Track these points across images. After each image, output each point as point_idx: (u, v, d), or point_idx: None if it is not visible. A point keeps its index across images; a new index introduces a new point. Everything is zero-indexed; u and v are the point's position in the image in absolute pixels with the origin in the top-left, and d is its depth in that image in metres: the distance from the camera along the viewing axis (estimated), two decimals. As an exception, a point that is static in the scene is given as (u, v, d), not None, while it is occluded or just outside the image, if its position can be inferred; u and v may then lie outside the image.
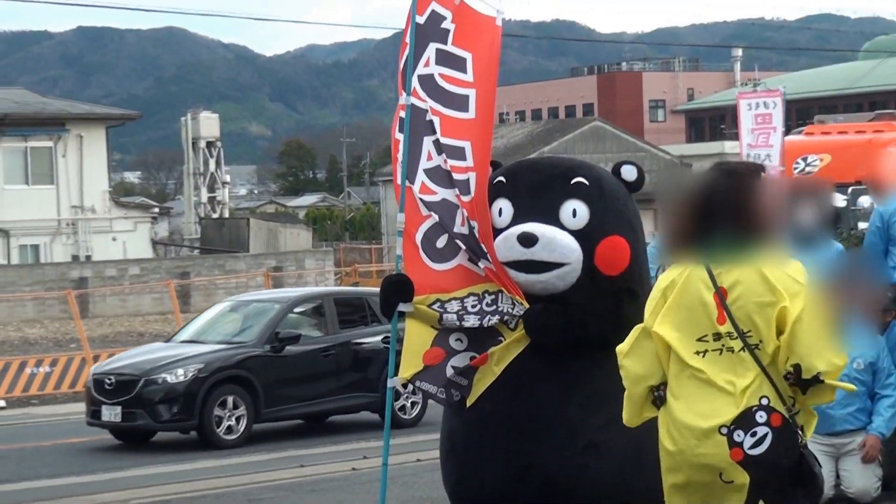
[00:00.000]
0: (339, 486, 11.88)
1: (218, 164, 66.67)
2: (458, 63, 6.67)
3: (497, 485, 6.36)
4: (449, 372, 6.53)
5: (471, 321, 6.49)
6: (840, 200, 19.29)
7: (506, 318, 6.48)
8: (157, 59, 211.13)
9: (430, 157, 6.67)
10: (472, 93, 6.65)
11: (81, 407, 21.52)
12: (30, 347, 31.87)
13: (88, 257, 51.43)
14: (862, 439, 8.99)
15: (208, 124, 66.83)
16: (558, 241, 6.32)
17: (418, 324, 6.60)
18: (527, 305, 6.39)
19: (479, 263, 6.51)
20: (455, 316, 6.52)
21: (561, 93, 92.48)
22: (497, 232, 6.46)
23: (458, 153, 6.61)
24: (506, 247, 6.41)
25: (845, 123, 21.34)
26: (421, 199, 6.69)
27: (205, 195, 65.80)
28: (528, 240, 6.32)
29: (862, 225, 18.14)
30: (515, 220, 6.44)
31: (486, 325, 6.50)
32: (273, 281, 35.19)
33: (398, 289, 6.52)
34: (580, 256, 6.35)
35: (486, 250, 6.46)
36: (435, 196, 6.64)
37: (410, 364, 6.62)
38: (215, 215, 65.61)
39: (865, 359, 9.04)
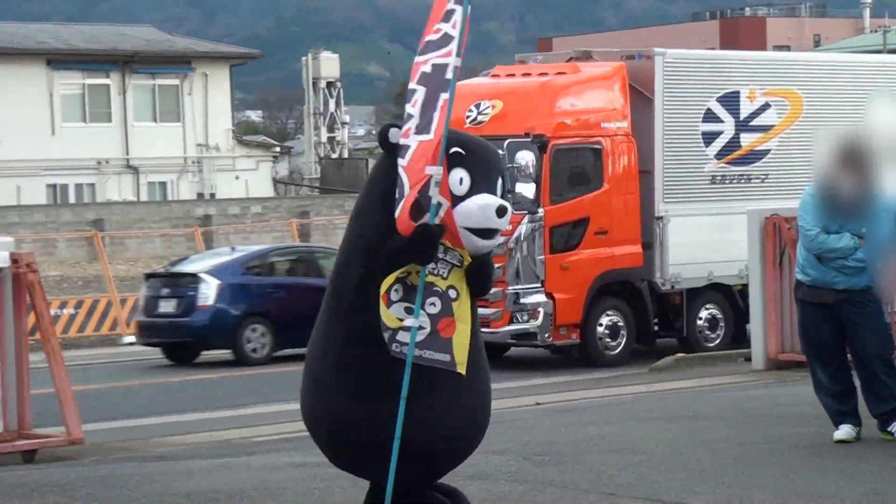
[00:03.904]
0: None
1: (337, 104, 66.89)
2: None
3: (450, 428, 6.99)
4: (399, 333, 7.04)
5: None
6: None
7: (440, 264, 7.06)
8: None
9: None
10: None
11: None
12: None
13: (212, 195, 52.04)
14: None
15: (328, 64, 67.01)
16: (510, 213, 7.16)
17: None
18: (468, 258, 7.07)
19: (427, 216, 7.01)
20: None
21: (682, 38, 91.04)
22: (456, 199, 7.07)
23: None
24: (482, 215, 7.02)
25: (540, 64, 18.93)
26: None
27: (324, 135, 66.11)
28: (503, 211, 7.05)
29: (521, 187, 16.88)
30: (472, 191, 7.07)
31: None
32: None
33: (441, 235, 7.03)
34: None
35: (442, 200, 7.00)
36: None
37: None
38: (334, 155, 65.94)
39: None
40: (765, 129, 18.76)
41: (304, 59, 67.91)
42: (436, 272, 7.04)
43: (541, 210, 17.12)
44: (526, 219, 17.05)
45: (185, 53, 54.08)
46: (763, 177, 18.79)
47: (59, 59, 50.93)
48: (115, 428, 13.83)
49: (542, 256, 17.22)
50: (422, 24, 7.32)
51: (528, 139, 16.99)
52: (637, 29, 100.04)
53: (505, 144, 16.52)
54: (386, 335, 6.99)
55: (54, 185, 50.27)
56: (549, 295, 17.25)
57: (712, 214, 18.34)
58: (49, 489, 9.09)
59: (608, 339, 17.95)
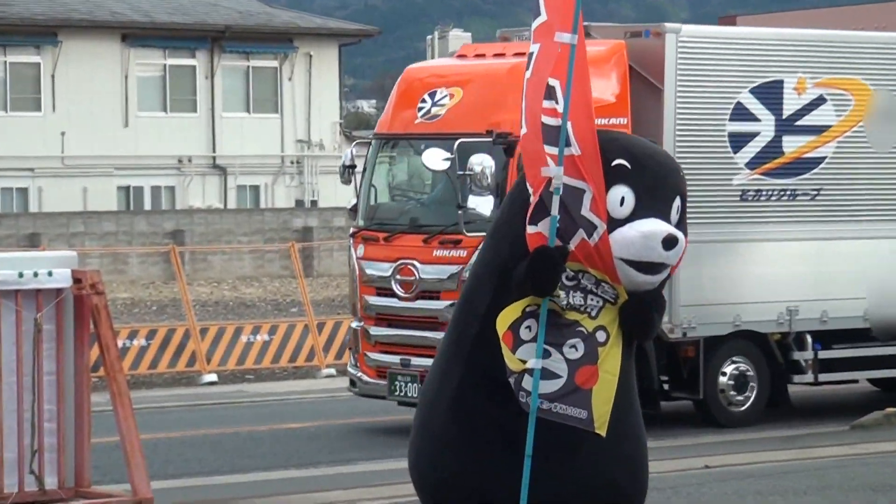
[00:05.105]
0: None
1: (469, 92, 67.10)
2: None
3: (584, 499, 7.08)
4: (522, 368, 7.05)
5: (561, 299, 7.09)
6: (440, 161, 15.84)
7: (589, 300, 7.08)
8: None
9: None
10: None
11: (304, 385, 22.04)
12: (245, 311, 32.77)
13: (314, 202, 52.51)
14: None
15: (458, 44, 66.92)
16: (682, 245, 7.13)
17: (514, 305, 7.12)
18: (624, 295, 7.05)
19: (573, 239, 7.01)
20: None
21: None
22: (614, 222, 7.03)
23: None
24: (644, 245, 7.01)
25: (524, 42, 17.22)
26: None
27: (452, 130, 66.31)
28: (671, 242, 7.05)
29: (475, 201, 15.61)
30: (636, 214, 7.06)
31: (571, 304, 7.09)
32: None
33: (564, 260, 7.04)
34: None
35: (596, 221, 6.99)
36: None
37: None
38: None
39: None
40: (818, 130, 17.47)
41: (429, 37, 68.20)
42: (583, 309, 7.01)
43: None
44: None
45: (286, 29, 54.73)
46: (814, 193, 17.49)
47: (136, 35, 51.86)
48: (190, 486, 14.00)
49: None
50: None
51: (489, 139, 15.86)
52: (845, 7, 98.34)
53: (455, 146, 15.70)
54: (511, 380, 7.00)
55: (127, 188, 51.17)
56: None
57: (742, 241, 17.12)
58: (109, 560, 9.22)
59: None
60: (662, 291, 7.27)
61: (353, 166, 17.48)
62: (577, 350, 6.98)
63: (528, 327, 7.01)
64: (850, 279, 17.56)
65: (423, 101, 16.86)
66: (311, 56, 54.25)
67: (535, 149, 7.07)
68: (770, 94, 17.31)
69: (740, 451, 15.30)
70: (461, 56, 17.86)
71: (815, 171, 17.53)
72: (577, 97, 7.12)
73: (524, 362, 6.96)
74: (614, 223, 7.02)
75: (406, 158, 17.72)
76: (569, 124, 7.06)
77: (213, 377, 22.91)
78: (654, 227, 7.01)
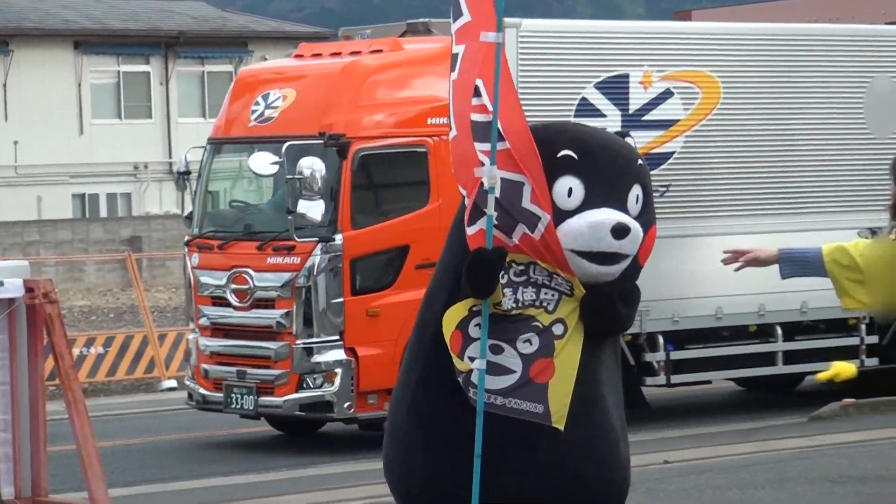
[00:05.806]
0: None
1: (427, 92, 67.18)
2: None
3: (551, 498, 7.05)
4: (469, 365, 7.03)
5: (507, 298, 7.00)
6: (268, 165, 15.48)
7: (543, 294, 7.00)
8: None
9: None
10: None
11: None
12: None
13: (272, 206, 52.49)
14: None
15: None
16: (638, 234, 7.05)
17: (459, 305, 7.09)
18: (580, 289, 7.00)
19: (514, 234, 6.94)
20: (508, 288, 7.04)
21: (871, 9, 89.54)
22: (563, 214, 6.99)
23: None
24: (593, 236, 6.97)
25: (363, 40, 17.21)
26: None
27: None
28: (622, 231, 6.97)
29: (305, 206, 15.20)
30: (586, 205, 7.02)
31: (522, 301, 7.02)
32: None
33: (501, 262, 7.00)
34: None
35: (538, 213, 6.92)
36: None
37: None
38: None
39: None
40: (665, 124, 16.89)
41: (384, 37, 68.38)
42: (538, 304, 7.00)
43: (338, 236, 15.70)
44: (318, 248, 15.71)
45: (240, 34, 54.71)
46: (663, 189, 16.67)
47: (89, 42, 51.70)
48: (150, 493, 14.04)
49: (341, 299, 15.76)
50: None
51: (320, 141, 15.61)
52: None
53: (283, 149, 15.36)
54: (460, 380, 7.01)
55: (82, 196, 51.01)
56: (351, 351, 15.74)
57: None
58: (67, 569, 9.23)
59: None
60: (636, 283, 7.24)
61: (187, 173, 17.16)
62: (531, 344, 6.97)
63: (478, 325, 7.00)
64: (700, 277, 16.93)
65: (257, 103, 16.58)
66: (266, 59, 54.14)
67: (466, 150, 7.04)
68: (616, 88, 16.78)
69: (699, 444, 15.39)
70: (298, 56, 17.51)
71: (663, 166, 16.86)
72: (504, 94, 7.07)
73: (472, 360, 6.97)
74: (564, 215, 7.00)
75: (240, 163, 17.29)
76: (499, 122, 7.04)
77: (172, 383, 22.89)
78: (603, 216, 6.99)
